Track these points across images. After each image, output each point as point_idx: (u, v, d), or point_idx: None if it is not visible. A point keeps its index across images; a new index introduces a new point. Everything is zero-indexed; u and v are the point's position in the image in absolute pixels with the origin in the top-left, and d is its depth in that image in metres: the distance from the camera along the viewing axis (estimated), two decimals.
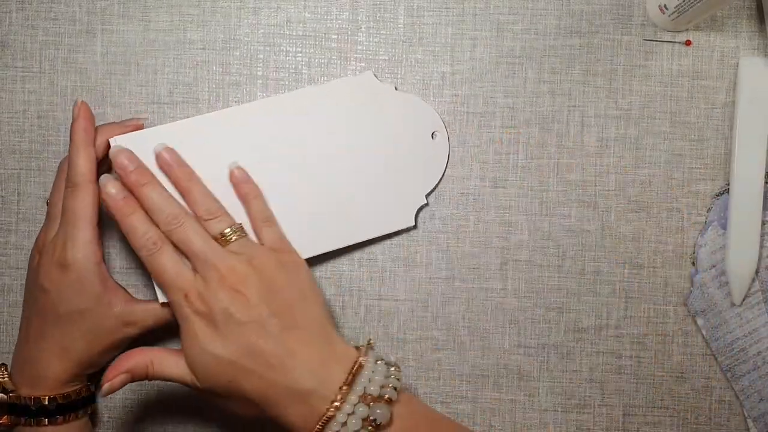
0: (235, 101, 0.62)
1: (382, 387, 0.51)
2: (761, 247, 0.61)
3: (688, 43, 0.61)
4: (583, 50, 0.61)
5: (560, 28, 0.61)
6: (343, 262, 0.62)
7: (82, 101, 0.56)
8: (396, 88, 0.61)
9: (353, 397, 0.51)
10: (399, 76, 0.62)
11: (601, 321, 0.62)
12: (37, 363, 0.57)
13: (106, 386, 0.53)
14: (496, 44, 0.62)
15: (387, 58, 0.62)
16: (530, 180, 0.62)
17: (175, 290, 0.54)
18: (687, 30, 0.61)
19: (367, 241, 0.62)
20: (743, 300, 0.61)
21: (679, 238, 0.62)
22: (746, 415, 0.62)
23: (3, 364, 0.58)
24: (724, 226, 0.61)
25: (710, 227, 0.61)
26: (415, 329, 0.63)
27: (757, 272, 0.61)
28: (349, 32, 0.62)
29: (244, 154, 0.58)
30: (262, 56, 0.62)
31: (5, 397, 0.56)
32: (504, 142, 0.62)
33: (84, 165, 0.55)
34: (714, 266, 0.61)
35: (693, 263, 0.62)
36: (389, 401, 0.51)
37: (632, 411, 0.62)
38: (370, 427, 0.50)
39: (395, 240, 0.62)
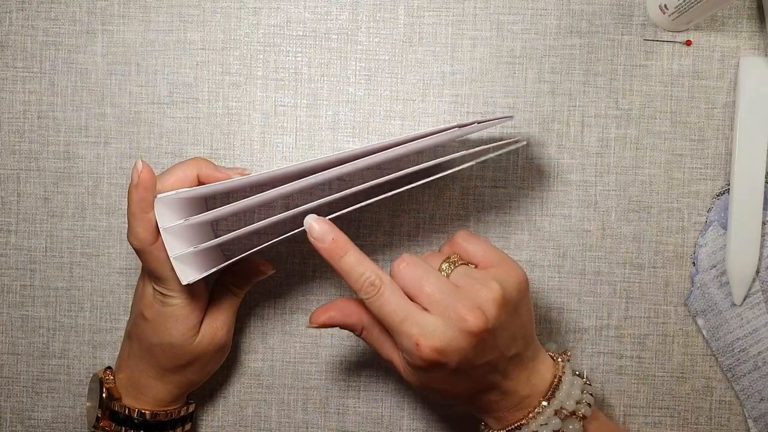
0: (235, 101, 0.62)
1: (577, 403, 0.52)
2: (762, 247, 0.61)
3: (688, 43, 0.61)
4: (583, 50, 0.61)
5: (560, 28, 0.61)
6: None
7: (144, 165, 0.52)
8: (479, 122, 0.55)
9: (549, 410, 0.52)
10: (399, 76, 0.62)
11: (602, 321, 0.62)
12: (140, 380, 0.57)
13: (313, 325, 0.53)
14: (496, 44, 0.62)
15: (387, 58, 0.62)
16: (530, 180, 0.62)
17: (405, 337, 0.50)
18: (687, 30, 0.61)
19: (372, 238, 0.61)
20: (744, 300, 0.61)
21: (680, 238, 0.62)
22: (747, 415, 0.61)
23: (109, 367, 0.59)
24: (724, 226, 0.61)
25: (711, 227, 0.61)
26: None
27: (757, 272, 0.61)
28: (349, 32, 0.62)
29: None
30: (262, 56, 0.62)
31: (112, 404, 0.57)
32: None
33: (143, 233, 0.52)
34: (714, 266, 0.61)
35: (693, 263, 0.62)
36: (583, 418, 0.52)
37: (633, 411, 0.62)
38: None
39: (395, 240, 0.62)
